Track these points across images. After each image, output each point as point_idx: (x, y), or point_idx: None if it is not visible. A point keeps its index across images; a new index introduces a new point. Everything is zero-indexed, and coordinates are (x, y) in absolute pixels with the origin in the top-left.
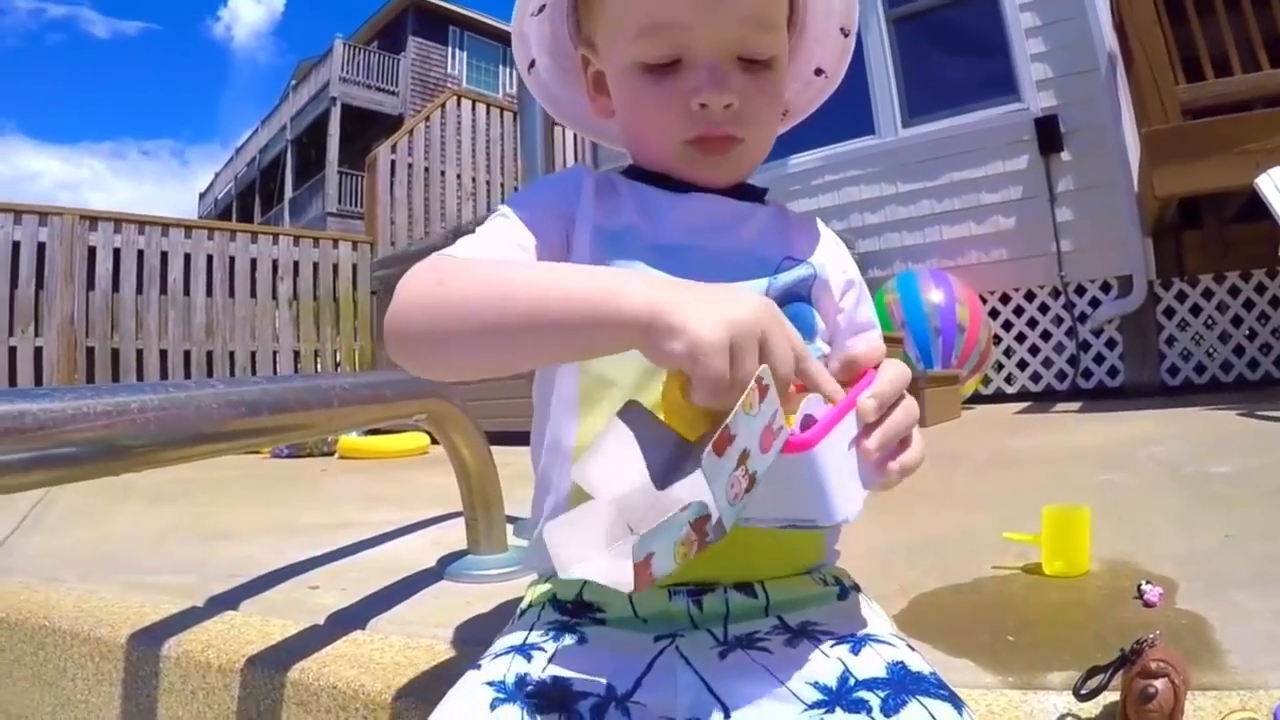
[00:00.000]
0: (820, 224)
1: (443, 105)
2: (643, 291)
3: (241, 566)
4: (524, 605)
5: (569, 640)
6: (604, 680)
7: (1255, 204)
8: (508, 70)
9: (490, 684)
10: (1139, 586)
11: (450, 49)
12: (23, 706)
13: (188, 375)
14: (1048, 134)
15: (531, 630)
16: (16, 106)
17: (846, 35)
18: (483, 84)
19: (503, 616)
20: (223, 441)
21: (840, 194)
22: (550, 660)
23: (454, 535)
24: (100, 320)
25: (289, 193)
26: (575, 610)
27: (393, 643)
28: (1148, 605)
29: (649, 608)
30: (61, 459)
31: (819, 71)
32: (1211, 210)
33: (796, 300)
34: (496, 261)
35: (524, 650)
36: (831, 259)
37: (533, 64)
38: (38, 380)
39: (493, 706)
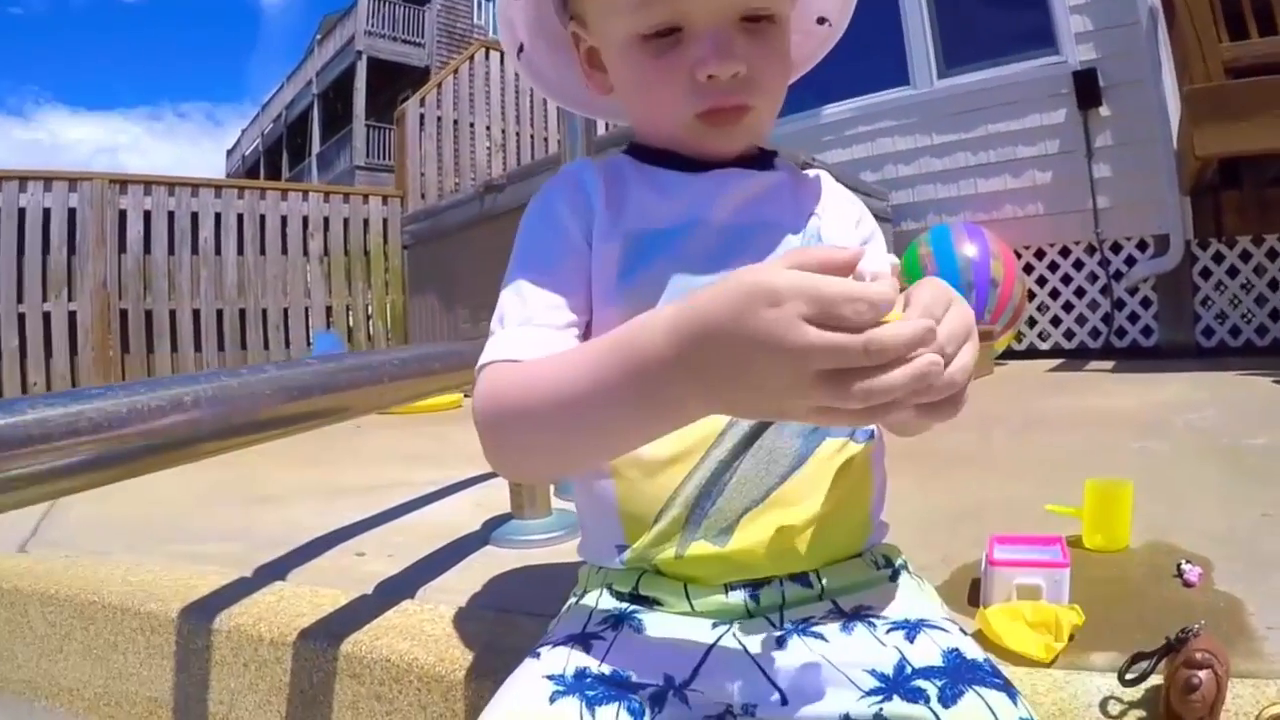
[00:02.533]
0: (830, 180)
1: (471, 57)
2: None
3: (287, 533)
4: (580, 590)
5: (627, 629)
6: (662, 670)
7: None
8: None
9: (549, 677)
10: (1178, 565)
11: None
12: (74, 680)
13: (220, 333)
14: (1086, 88)
15: (590, 619)
16: (52, 76)
17: None
18: None
19: (550, 585)
20: (278, 428)
21: (874, 145)
22: (609, 650)
23: (497, 495)
24: (133, 283)
25: (316, 147)
26: (632, 599)
27: (442, 613)
28: (1187, 585)
29: (706, 604)
30: (119, 457)
31: (822, 20)
32: (1252, 171)
33: None
34: (552, 406)
35: (583, 639)
36: (843, 218)
37: (521, 48)
38: (73, 344)
39: (552, 700)
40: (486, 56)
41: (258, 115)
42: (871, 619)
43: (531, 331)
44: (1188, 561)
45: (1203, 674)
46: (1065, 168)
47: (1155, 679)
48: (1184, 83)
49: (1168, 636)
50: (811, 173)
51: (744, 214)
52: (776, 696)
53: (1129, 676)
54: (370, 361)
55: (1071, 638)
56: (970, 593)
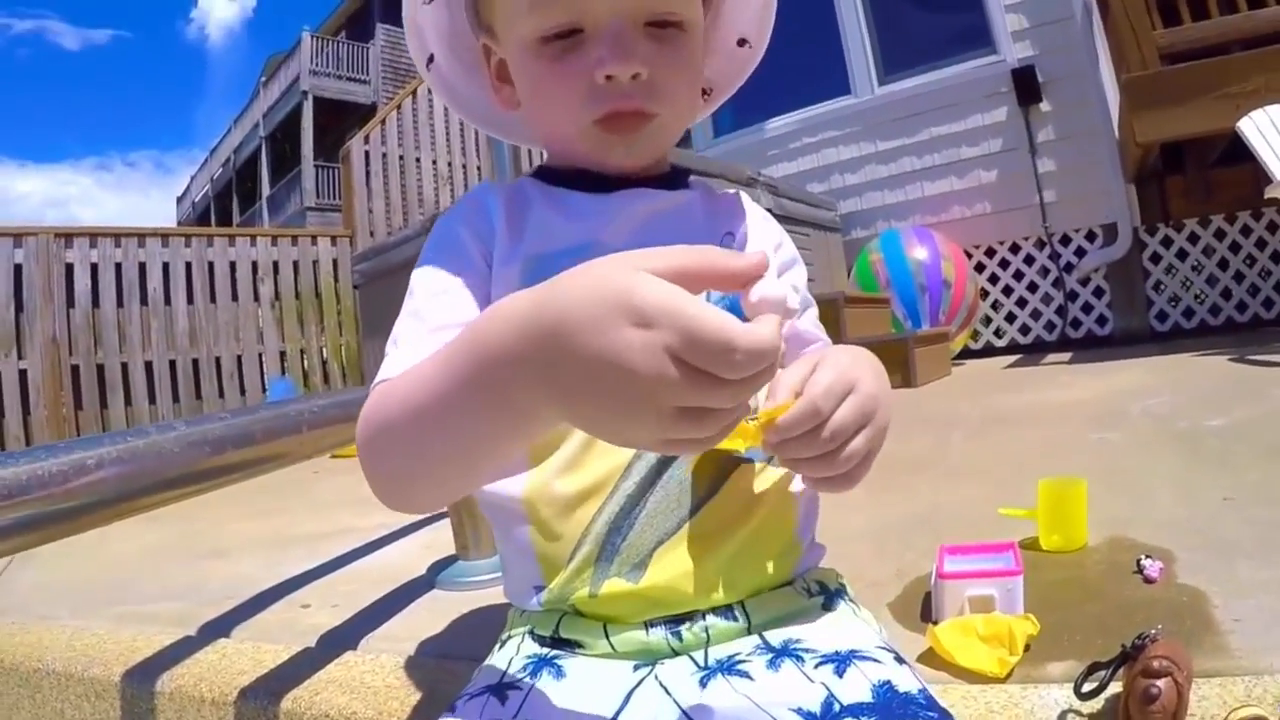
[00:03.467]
0: (748, 200)
1: (414, 92)
2: (530, 402)
3: (235, 587)
4: (505, 634)
5: (546, 675)
6: (580, 719)
7: (1238, 147)
8: None
9: None
10: (1138, 561)
11: None
12: None
13: (174, 385)
14: (1025, 85)
15: (509, 665)
16: None
17: None
18: None
19: (493, 627)
20: (192, 484)
21: (819, 156)
22: (525, 700)
23: (445, 537)
24: (83, 337)
25: (266, 190)
26: (553, 643)
27: (383, 663)
28: (1148, 581)
29: (627, 644)
30: (21, 525)
31: (742, 42)
32: (1194, 155)
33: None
34: (406, 413)
35: (499, 690)
36: (762, 240)
37: (431, 59)
38: (25, 402)
39: None
40: (430, 91)
41: (206, 161)
42: (800, 653)
43: (423, 351)
44: (1148, 556)
45: (1161, 683)
46: (1010, 165)
47: (1116, 686)
48: (1121, 72)
49: (1124, 645)
50: (730, 189)
51: (646, 235)
52: None
53: (1085, 689)
54: (287, 411)
55: (1027, 648)
56: (924, 607)
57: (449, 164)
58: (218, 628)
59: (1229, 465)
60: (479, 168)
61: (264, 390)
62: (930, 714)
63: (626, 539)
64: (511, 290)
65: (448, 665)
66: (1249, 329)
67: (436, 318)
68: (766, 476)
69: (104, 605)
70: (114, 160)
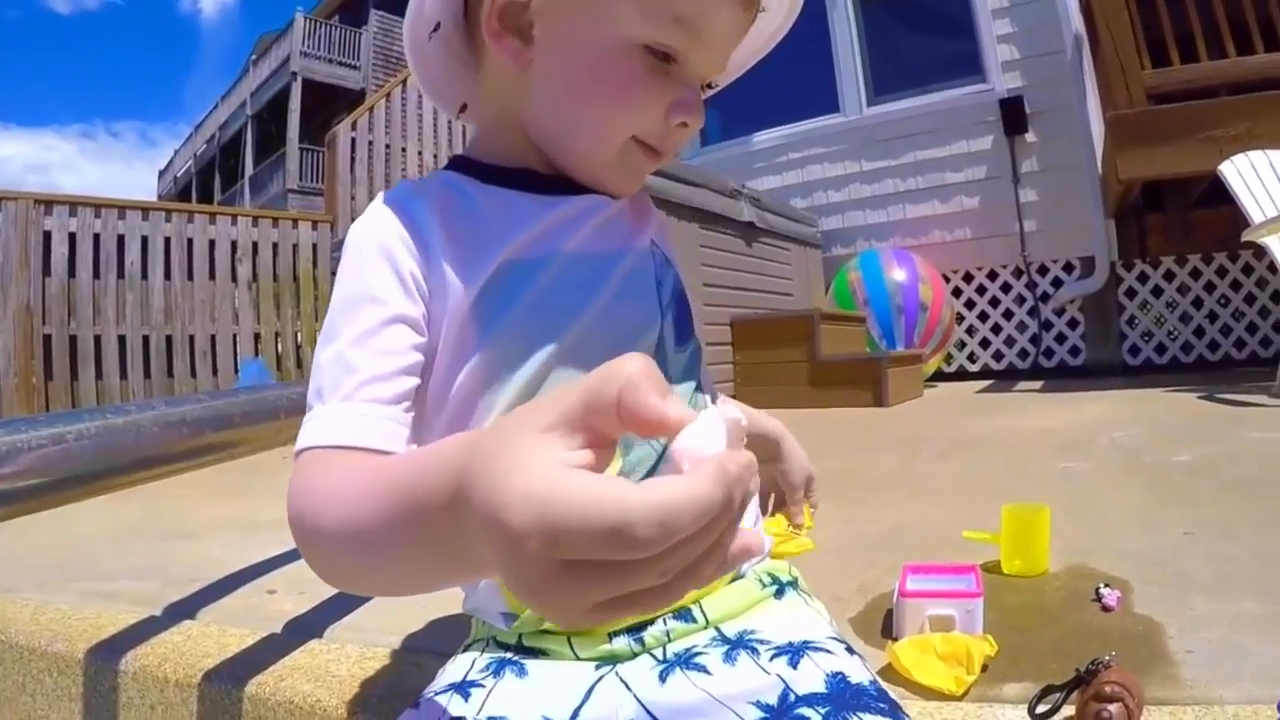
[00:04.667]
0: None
1: (404, 81)
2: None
3: (201, 569)
4: (468, 639)
5: (509, 674)
6: (541, 713)
7: (1218, 188)
8: None
9: None
10: (1097, 590)
11: None
12: None
13: (146, 360)
14: (1013, 115)
15: (472, 666)
16: None
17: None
18: None
19: (458, 621)
20: (168, 464)
21: (804, 172)
22: (488, 697)
23: None
24: (57, 307)
25: (249, 170)
26: (516, 650)
27: (349, 653)
28: (1105, 610)
29: (591, 651)
30: None
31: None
32: (1174, 194)
33: (680, 304)
34: (350, 542)
35: (462, 688)
36: (666, 234)
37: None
38: None
39: None
40: None
41: (191, 136)
42: (755, 644)
43: (353, 410)
44: (1107, 585)
45: (1113, 708)
46: (992, 193)
47: (1069, 709)
48: (1108, 109)
49: (1078, 669)
50: (639, 193)
51: (598, 243)
52: None
53: (1039, 710)
54: (265, 396)
55: (984, 668)
56: (885, 624)
57: (434, 156)
58: (183, 609)
59: (1191, 500)
60: None
61: (236, 371)
62: (881, 704)
63: None
64: (466, 306)
65: (413, 657)
66: (1220, 368)
67: (366, 368)
68: None
69: (68, 581)
70: (98, 128)
